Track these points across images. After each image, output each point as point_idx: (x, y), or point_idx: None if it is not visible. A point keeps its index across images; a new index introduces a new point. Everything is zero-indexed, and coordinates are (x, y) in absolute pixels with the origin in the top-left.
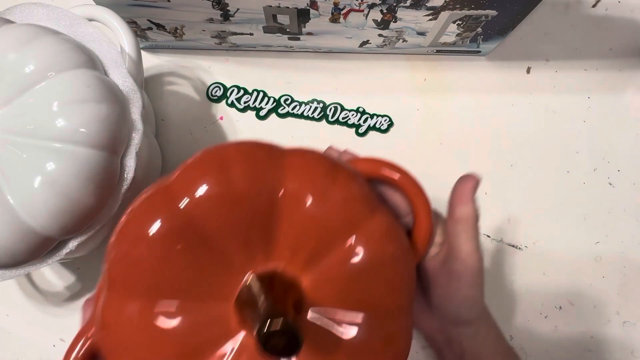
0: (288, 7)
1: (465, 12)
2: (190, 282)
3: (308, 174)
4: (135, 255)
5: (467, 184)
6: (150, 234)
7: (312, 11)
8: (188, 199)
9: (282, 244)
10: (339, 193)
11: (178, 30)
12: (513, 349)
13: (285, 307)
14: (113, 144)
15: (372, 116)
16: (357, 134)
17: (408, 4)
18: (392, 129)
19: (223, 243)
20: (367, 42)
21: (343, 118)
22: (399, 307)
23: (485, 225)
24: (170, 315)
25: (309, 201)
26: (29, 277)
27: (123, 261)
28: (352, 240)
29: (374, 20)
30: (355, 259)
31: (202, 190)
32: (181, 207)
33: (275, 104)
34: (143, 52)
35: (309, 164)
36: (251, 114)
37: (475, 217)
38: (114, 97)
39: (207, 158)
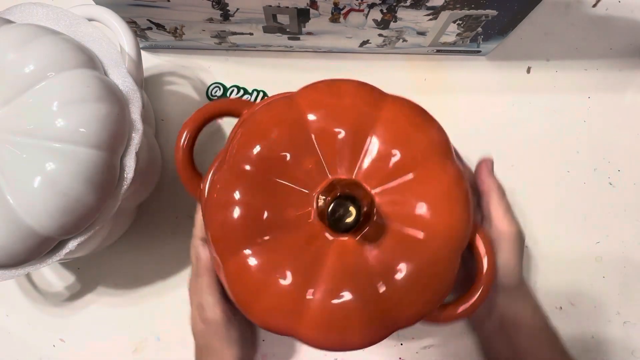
0: (288, 7)
1: (466, 11)
2: (293, 172)
3: (318, 99)
4: (263, 147)
5: (483, 164)
6: (273, 136)
7: (312, 11)
8: (308, 112)
9: (363, 166)
10: (348, 102)
11: (178, 30)
12: (550, 322)
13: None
14: (113, 144)
15: None
16: None
17: (408, 3)
18: None
19: (322, 150)
20: (367, 42)
21: None
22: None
23: None
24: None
25: (329, 119)
26: (29, 277)
27: (250, 149)
28: (375, 132)
29: (374, 20)
30: (383, 146)
31: (318, 108)
32: (308, 118)
33: None
34: (143, 52)
35: (314, 91)
36: None
37: (498, 187)
38: (114, 97)
39: (325, 85)
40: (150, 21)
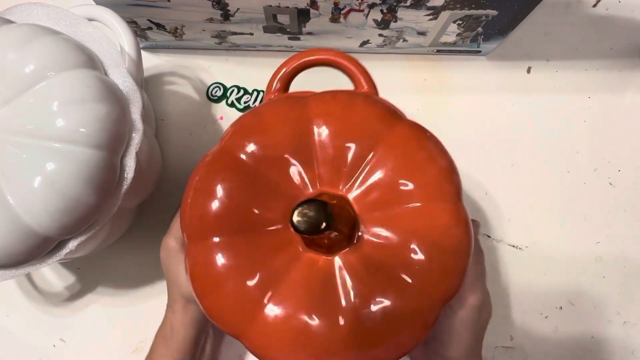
0: (288, 7)
1: (466, 11)
2: (285, 175)
3: (330, 109)
4: (211, 201)
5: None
6: (275, 133)
7: (312, 11)
8: (241, 153)
9: (323, 172)
10: (358, 117)
11: (178, 30)
12: None
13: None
14: (113, 144)
15: None
16: None
17: (408, 3)
18: None
19: (276, 179)
20: (367, 42)
21: None
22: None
23: (486, 226)
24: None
25: (335, 130)
26: (29, 277)
27: (200, 208)
28: (377, 152)
29: (374, 20)
30: (383, 168)
31: (250, 143)
32: (241, 158)
33: None
34: (143, 52)
35: (328, 100)
36: None
37: (477, 251)
38: (114, 97)
39: (246, 121)
40: (150, 21)
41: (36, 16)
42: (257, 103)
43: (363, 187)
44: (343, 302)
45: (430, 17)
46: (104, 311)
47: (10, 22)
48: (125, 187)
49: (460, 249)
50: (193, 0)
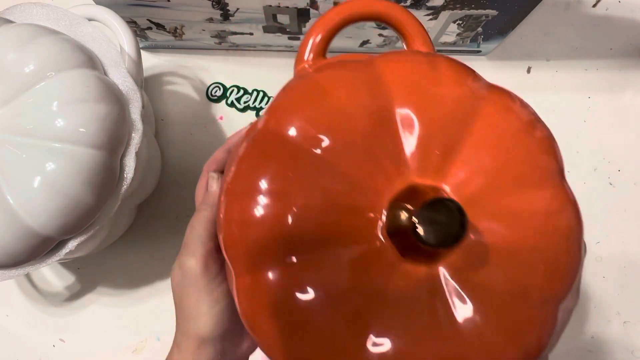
0: (288, 7)
1: (466, 11)
2: (356, 159)
3: (410, 79)
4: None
5: None
6: (266, 185)
7: (312, 11)
8: (394, 88)
9: (411, 156)
10: (447, 89)
11: (178, 30)
12: None
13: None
14: (112, 144)
15: None
16: None
17: (408, 3)
18: None
19: (405, 142)
20: (367, 41)
21: None
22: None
23: None
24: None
25: (421, 107)
26: (28, 277)
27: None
28: (471, 132)
29: None
30: (480, 151)
31: (408, 87)
32: (392, 95)
33: None
34: (143, 52)
35: (405, 67)
36: (251, 113)
37: None
38: (114, 97)
39: (301, 90)
40: (150, 21)
41: (36, 16)
42: (257, 103)
43: (459, 177)
44: (451, 321)
45: (430, 17)
46: (104, 311)
47: (10, 22)
48: (125, 187)
49: (570, 242)
50: (193, 0)
